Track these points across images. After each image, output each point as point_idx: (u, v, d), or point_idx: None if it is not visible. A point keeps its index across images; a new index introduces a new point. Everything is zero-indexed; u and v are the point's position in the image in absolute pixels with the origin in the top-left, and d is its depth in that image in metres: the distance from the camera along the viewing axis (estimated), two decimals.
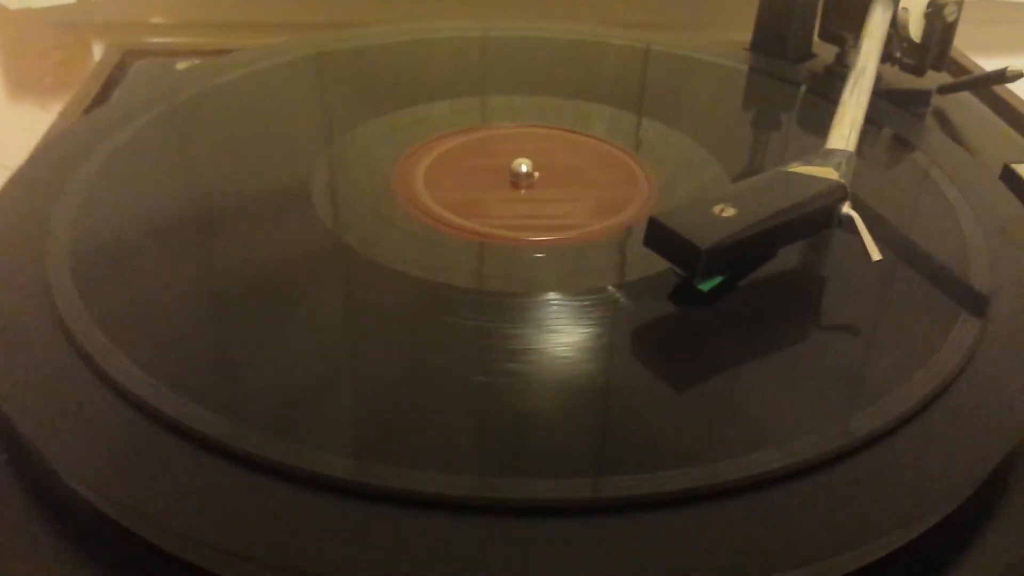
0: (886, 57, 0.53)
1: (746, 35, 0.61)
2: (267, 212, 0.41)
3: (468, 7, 0.72)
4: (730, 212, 0.35)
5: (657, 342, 0.34)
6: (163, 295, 0.35)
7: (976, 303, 0.35)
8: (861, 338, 0.34)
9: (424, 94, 0.51)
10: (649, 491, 0.27)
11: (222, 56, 0.55)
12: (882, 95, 0.51)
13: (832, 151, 0.39)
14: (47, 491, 0.29)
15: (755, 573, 0.25)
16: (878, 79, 0.46)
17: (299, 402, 0.30)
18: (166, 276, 0.36)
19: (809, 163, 0.38)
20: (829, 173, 0.37)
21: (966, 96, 0.58)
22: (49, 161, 0.43)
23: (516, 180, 0.43)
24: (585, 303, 0.35)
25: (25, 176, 0.42)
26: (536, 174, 0.43)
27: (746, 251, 0.36)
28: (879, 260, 0.35)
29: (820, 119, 0.44)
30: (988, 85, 0.56)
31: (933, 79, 0.56)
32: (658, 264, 0.36)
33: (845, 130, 0.41)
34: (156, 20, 0.72)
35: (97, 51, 0.74)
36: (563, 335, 0.34)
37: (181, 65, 0.57)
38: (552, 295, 0.36)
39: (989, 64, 0.58)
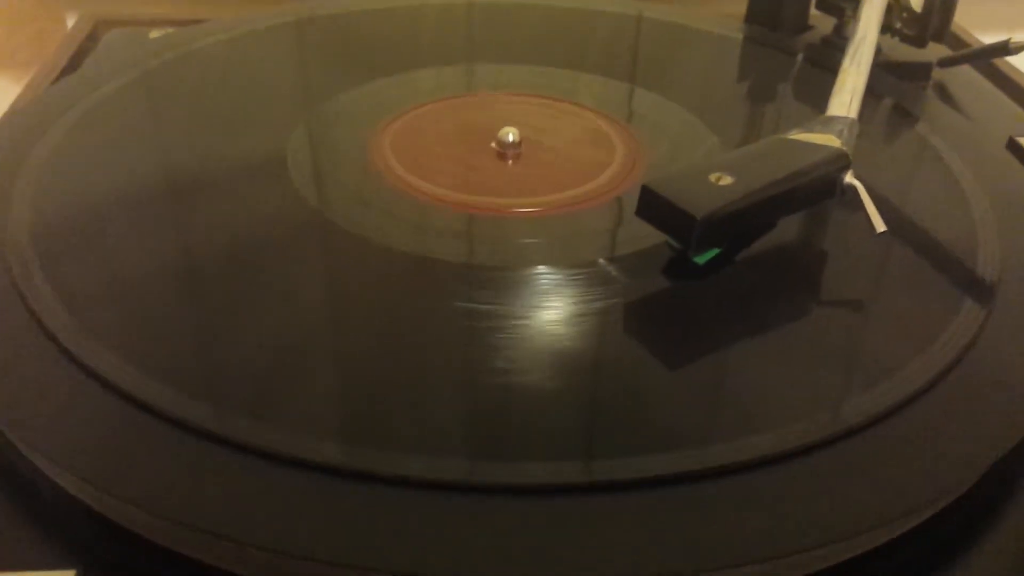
0: (885, 28, 0.51)
1: (741, 7, 0.59)
2: (242, 183, 0.39)
3: None
4: (727, 180, 0.33)
5: (650, 318, 0.33)
6: (132, 270, 0.33)
7: (984, 279, 0.34)
8: (865, 315, 0.33)
9: (408, 62, 0.50)
10: (641, 474, 0.26)
11: (198, 24, 0.53)
12: (882, 67, 0.49)
13: (833, 118, 0.38)
14: (9, 474, 0.28)
15: (749, 557, 0.24)
16: (877, 51, 0.44)
17: (277, 383, 0.29)
18: (135, 250, 0.34)
19: (810, 130, 0.36)
20: (831, 140, 0.35)
21: (967, 70, 0.56)
22: (10, 132, 0.41)
23: (503, 150, 0.41)
24: (575, 277, 0.34)
25: None
26: (523, 144, 0.42)
27: (744, 222, 0.34)
28: (883, 232, 0.33)
29: (818, 90, 0.42)
30: (990, 57, 0.55)
31: (934, 52, 0.54)
32: (651, 237, 0.35)
33: (846, 97, 0.39)
34: None
35: (71, 23, 0.72)
36: (552, 311, 0.32)
37: (155, 33, 0.55)
38: (541, 269, 0.34)
39: (990, 40, 0.56)
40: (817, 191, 0.35)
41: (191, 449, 0.26)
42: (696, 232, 0.32)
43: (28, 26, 0.77)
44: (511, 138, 0.41)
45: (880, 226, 0.33)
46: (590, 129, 0.44)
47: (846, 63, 0.41)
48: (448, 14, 0.58)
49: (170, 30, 0.55)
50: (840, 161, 0.35)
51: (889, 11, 0.50)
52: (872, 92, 0.43)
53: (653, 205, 0.33)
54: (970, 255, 0.35)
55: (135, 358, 0.29)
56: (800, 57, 0.53)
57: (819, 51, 0.53)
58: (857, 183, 0.34)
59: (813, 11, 0.57)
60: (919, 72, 0.54)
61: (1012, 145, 0.45)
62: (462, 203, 0.38)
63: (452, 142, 0.43)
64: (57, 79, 0.51)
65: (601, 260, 0.35)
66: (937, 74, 0.55)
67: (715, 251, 0.34)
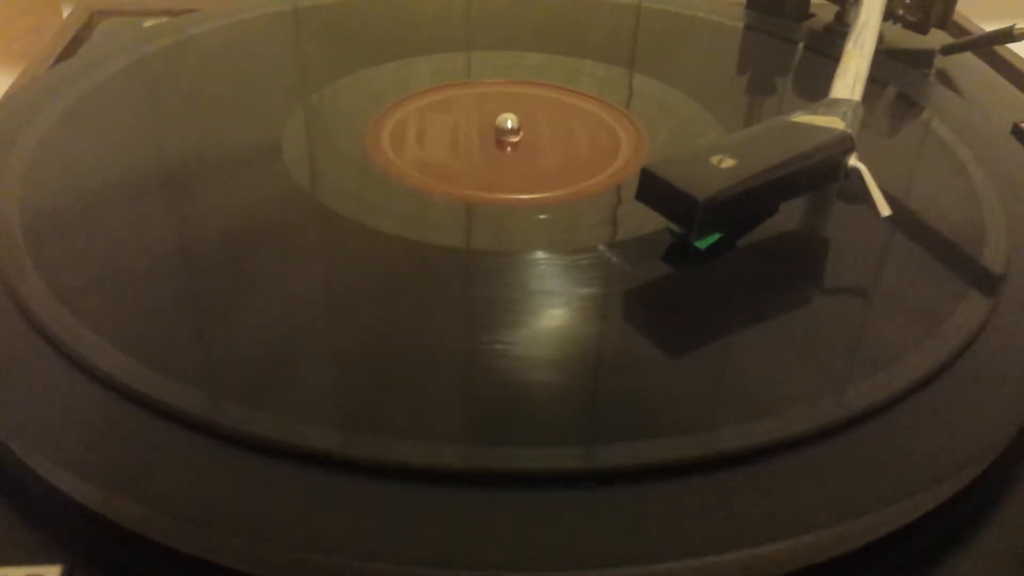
0: (888, 15, 0.51)
1: None
2: (237, 172, 0.38)
3: None
4: (729, 163, 0.33)
5: (651, 304, 0.32)
6: (124, 259, 0.32)
7: (992, 265, 0.33)
8: (869, 302, 0.32)
9: (405, 50, 0.49)
10: (643, 460, 0.25)
11: (192, 13, 0.53)
12: (885, 55, 0.48)
13: (837, 100, 0.37)
14: (2, 473, 0.27)
15: (753, 543, 0.23)
16: (880, 38, 0.44)
17: (275, 372, 0.28)
18: (127, 239, 0.33)
19: (813, 112, 0.36)
20: (835, 123, 0.35)
21: (969, 57, 0.56)
22: (2, 118, 0.40)
23: (501, 137, 0.41)
24: (575, 263, 0.33)
25: None
26: (522, 130, 0.41)
27: (746, 205, 0.33)
28: (888, 215, 0.33)
29: (821, 77, 0.42)
30: (994, 44, 0.54)
31: (936, 39, 0.54)
32: (652, 223, 0.34)
33: (850, 80, 0.38)
34: None
35: (67, 15, 0.71)
36: (552, 297, 0.32)
37: (149, 23, 0.54)
38: (540, 255, 0.33)
39: (992, 27, 0.55)
40: (821, 174, 0.34)
41: (182, 440, 0.25)
42: (698, 215, 0.31)
43: (25, 18, 0.76)
44: (509, 124, 0.41)
45: (885, 210, 0.33)
46: (590, 116, 0.44)
47: (849, 46, 0.41)
48: (446, 2, 0.57)
49: (165, 20, 0.54)
50: (844, 144, 0.34)
51: None
52: (876, 80, 0.43)
53: (653, 188, 0.33)
54: (976, 242, 0.35)
55: (127, 348, 0.28)
56: (802, 45, 0.52)
57: (821, 38, 0.53)
58: (861, 166, 0.34)
59: None
60: (922, 59, 0.53)
61: (1017, 131, 0.44)
62: (460, 190, 0.37)
63: (450, 130, 0.42)
64: (52, 67, 0.50)
65: (601, 246, 0.34)
66: (940, 61, 0.54)
67: (716, 236, 0.33)
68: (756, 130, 0.36)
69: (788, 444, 0.26)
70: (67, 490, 0.25)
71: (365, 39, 0.51)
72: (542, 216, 0.36)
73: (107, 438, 0.25)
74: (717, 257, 0.34)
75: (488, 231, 0.35)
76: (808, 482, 0.25)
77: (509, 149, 0.41)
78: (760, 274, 0.33)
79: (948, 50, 0.54)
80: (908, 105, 0.46)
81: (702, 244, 0.33)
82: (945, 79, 0.53)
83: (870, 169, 0.34)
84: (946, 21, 0.51)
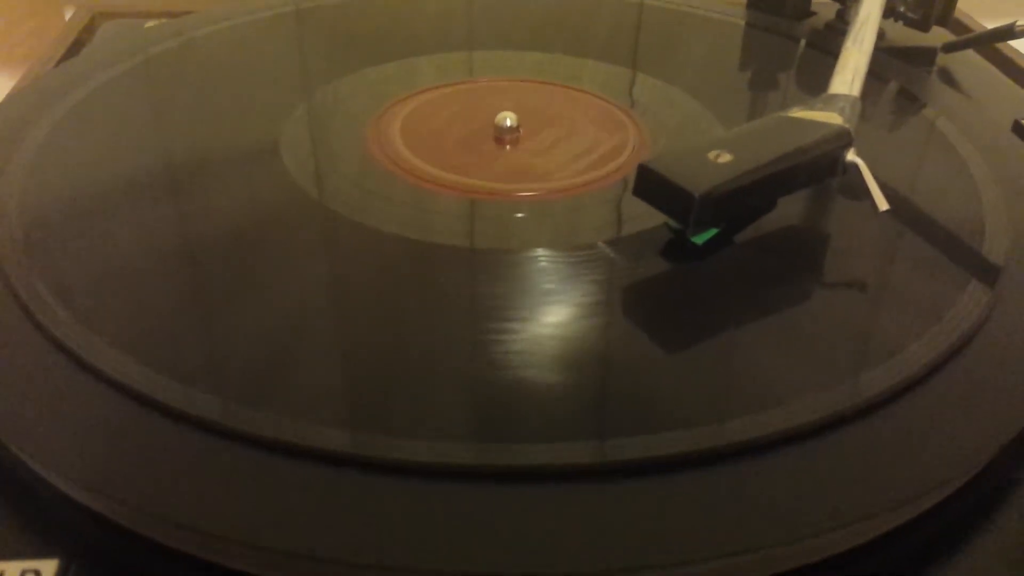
0: (889, 12, 0.51)
1: None
2: (239, 171, 0.38)
3: None
4: (726, 158, 0.33)
5: (650, 300, 0.32)
6: (126, 259, 0.32)
7: (993, 259, 0.33)
8: (869, 297, 0.32)
9: (407, 50, 0.49)
10: (647, 454, 0.25)
11: (195, 13, 0.53)
12: (886, 52, 0.48)
13: (835, 96, 0.37)
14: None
15: (750, 539, 0.23)
16: (881, 36, 0.44)
17: (278, 371, 0.28)
18: (129, 239, 0.33)
19: (811, 108, 0.36)
20: (832, 118, 0.35)
21: (970, 54, 0.56)
22: (3, 119, 0.40)
23: (500, 135, 0.41)
24: (575, 260, 0.33)
25: None
26: (522, 128, 0.41)
27: (743, 200, 0.33)
28: (886, 210, 0.33)
29: (822, 75, 0.42)
30: (996, 41, 0.54)
31: (937, 36, 0.53)
32: (651, 219, 0.34)
33: (848, 76, 0.38)
34: None
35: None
36: (552, 293, 0.32)
37: (151, 24, 0.54)
38: (540, 252, 0.33)
39: (993, 25, 0.55)
40: (819, 169, 0.34)
41: (180, 437, 0.25)
42: (695, 210, 0.31)
43: (27, 21, 0.77)
44: (509, 123, 0.41)
45: (883, 204, 0.33)
46: (591, 114, 0.44)
47: (848, 43, 0.41)
48: (448, 2, 0.57)
49: (166, 21, 0.54)
50: (842, 139, 0.34)
51: None
52: (877, 77, 0.43)
53: (650, 184, 0.33)
54: (977, 236, 0.35)
55: (126, 347, 0.28)
56: (803, 43, 0.52)
57: (822, 36, 0.53)
58: (859, 161, 0.34)
59: None
60: (923, 57, 0.53)
61: (1018, 128, 0.44)
62: (461, 188, 0.37)
63: (452, 128, 0.42)
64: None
65: (601, 242, 0.34)
66: (941, 59, 0.54)
67: (713, 231, 0.33)
68: (753, 125, 0.36)
69: (787, 439, 0.26)
70: (63, 486, 0.25)
71: (366, 39, 0.51)
72: (542, 213, 0.36)
73: (103, 435, 0.25)
74: (715, 252, 0.34)
75: (489, 229, 0.35)
76: (809, 477, 0.25)
77: (509, 147, 0.41)
78: (759, 269, 0.33)
79: (949, 47, 0.54)
80: (910, 102, 0.45)
81: (699, 240, 0.33)
82: (946, 76, 0.53)
83: (872, 165, 0.34)
84: (947, 18, 0.51)
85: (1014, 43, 0.55)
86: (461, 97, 0.45)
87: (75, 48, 0.54)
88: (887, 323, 0.31)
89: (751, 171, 0.32)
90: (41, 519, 0.26)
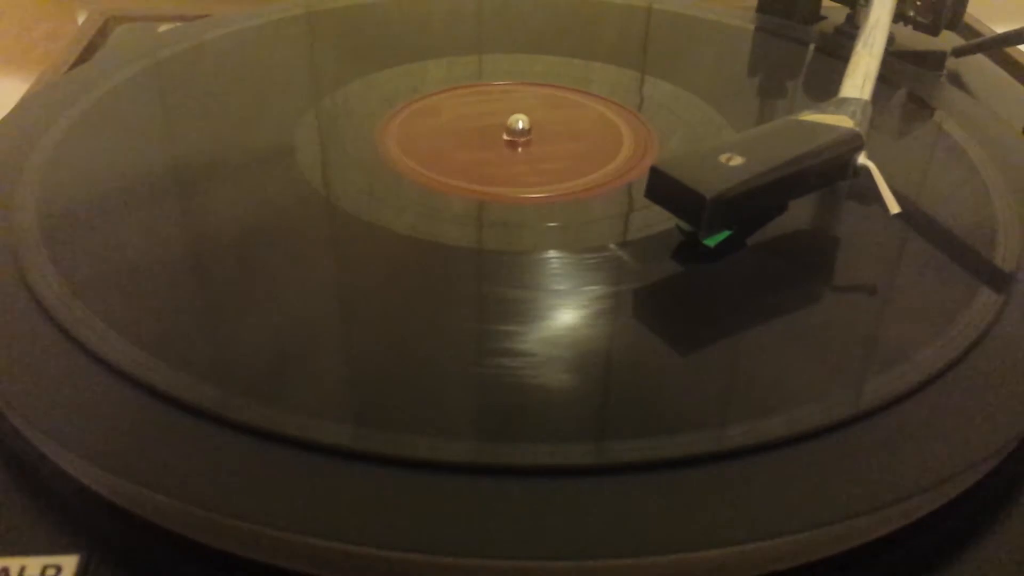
0: (899, 16, 0.51)
1: (751, 0, 0.58)
2: (251, 171, 0.39)
3: None
4: (738, 160, 0.33)
5: (661, 302, 0.32)
6: (141, 257, 0.33)
7: (1003, 263, 0.33)
8: (879, 300, 0.32)
9: (417, 53, 0.49)
10: (653, 456, 0.25)
11: (207, 18, 0.53)
12: (896, 56, 0.48)
13: (846, 99, 0.37)
14: (9, 458, 0.27)
15: (758, 539, 0.23)
16: (891, 40, 0.44)
17: (290, 367, 0.28)
18: (143, 238, 0.34)
19: (822, 111, 0.36)
20: (843, 121, 0.35)
21: (980, 59, 0.56)
22: (20, 123, 0.41)
23: (512, 137, 0.41)
24: (586, 262, 0.33)
25: None
26: (533, 131, 0.41)
27: (755, 203, 0.33)
28: (897, 213, 0.33)
29: (832, 79, 0.42)
30: (1006, 45, 0.54)
31: (947, 40, 0.54)
32: (662, 222, 0.34)
33: (859, 79, 0.38)
34: None
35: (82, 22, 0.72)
36: (563, 295, 0.32)
37: (164, 28, 0.55)
38: (551, 254, 0.34)
39: (1003, 29, 0.56)
40: (829, 172, 0.34)
41: (197, 432, 0.26)
42: (706, 212, 0.31)
43: (40, 25, 0.77)
44: (520, 125, 0.41)
45: (894, 207, 0.33)
46: (602, 118, 0.44)
47: (859, 47, 0.41)
48: (457, 6, 0.57)
49: (179, 25, 0.55)
50: (853, 142, 0.34)
51: None
52: (888, 81, 0.43)
53: (662, 186, 0.33)
54: (987, 240, 0.35)
55: (143, 342, 0.28)
56: (813, 47, 0.52)
57: (832, 40, 0.53)
58: (870, 164, 0.34)
59: (826, 1, 0.57)
60: (933, 61, 0.53)
61: None
62: (472, 190, 0.38)
63: (462, 131, 0.42)
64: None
65: (612, 245, 0.34)
66: (951, 63, 0.54)
67: (725, 233, 0.34)
68: (764, 128, 0.36)
69: (797, 440, 0.26)
70: (83, 479, 0.25)
71: (376, 43, 0.52)
72: (553, 215, 0.36)
73: (122, 429, 0.26)
74: (726, 255, 0.34)
75: (500, 230, 0.36)
76: (818, 478, 0.25)
77: (520, 149, 0.41)
78: (770, 271, 0.34)
79: (959, 51, 0.54)
80: (920, 106, 0.46)
81: (711, 242, 0.33)
82: (956, 80, 0.53)
83: (882, 169, 0.34)
84: (957, 23, 0.51)
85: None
86: (471, 100, 0.45)
87: (88, 52, 0.55)
88: (897, 327, 0.31)
89: (762, 173, 0.33)
90: (62, 515, 0.26)
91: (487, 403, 0.28)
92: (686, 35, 0.54)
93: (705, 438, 0.26)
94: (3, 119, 0.41)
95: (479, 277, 0.33)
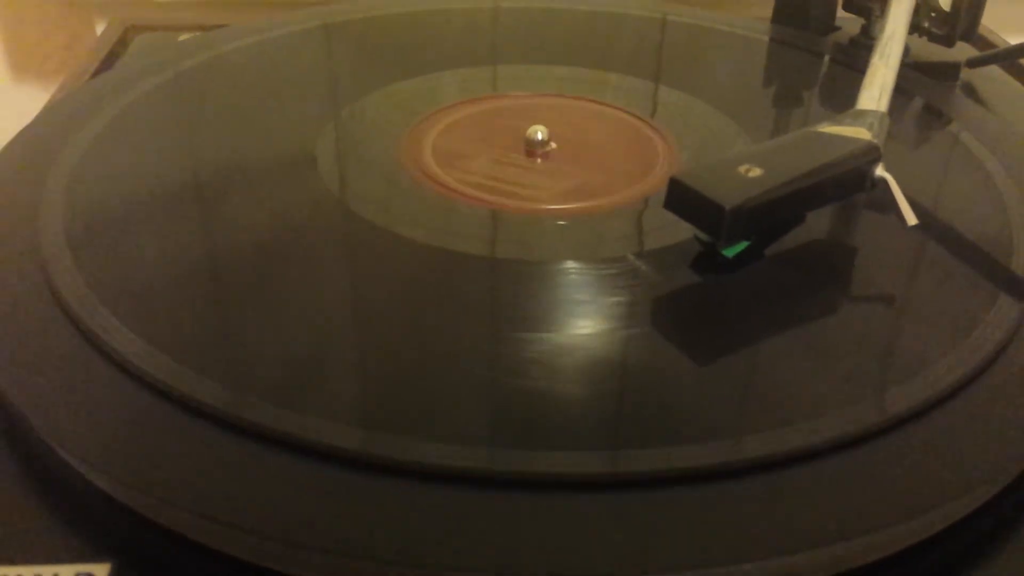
0: (914, 28, 0.51)
1: (766, 10, 0.59)
2: (273, 181, 0.39)
3: None
4: (756, 172, 0.33)
5: (680, 312, 0.33)
6: (163, 264, 0.33)
7: (1021, 273, 0.34)
8: (898, 311, 0.32)
9: (435, 64, 0.50)
10: (669, 466, 0.25)
11: (226, 27, 0.53)
12: (911, 67, 0.49)
13: (863, 111, 0.37)
14: (37, 464, 0.28)
15: (776, 551, 0.24)
16: (905, 52, 0.44)
17: (308, 373, 0.29)
18: (166, 245, 0.34)
19: (839, 123, 0.36)
20: (861, 133, 0.35)
21: (994, 69, 0.56)
22: (44, 131, 0.41)
23: (531, 148, 0.41)
24: (604, 272, 0.34)
25: (17, 145, 0.40)
26: (552, 142, 0.42)
27: (773, 214, 0.34)
28: (915, 224, 0.33)
29: (847, 89, 0.42)
30: (1020, 56, 0.54)
31: (962, 52, 0.54)
32: (680, 233, 0.35)
33: (876, 91, 0.39)
34: None
35: (101, 31, 0.72)
36: (581, 304, 0.32)
37: (184, 37, 0.55)
38: (570, 263, 0.34)
39: (1017, 40, 0.56)
40: (847, 184, 0.35)
41: (223, 442, 0.26)
42: (725, 223, 0.32)
43: (59, 33, 0.78)
44: (540, 136, 0.41)
45: (911, 219, 0.33)
46: (619, 128, 0.44)
47: (875, 59, 0.41)
48: (473, 18, 0.58)
49: (199, 34, 0.55)
50: (871, 154, 0.35)
51: (917, 11, 0.50)
52: (902, 92, 0.43)
53: (682, 197, 0.33)
54: (1004, 250, 0.35)
55: (168, 350, 0.29)
56: (828, 57, 0.52)
57: (847, 51, 0.53)
58: (888, 176, 0.34)
59: (840, 12, 0.57)
60: (948, 72, 0.53)
61: None
62: (491, 200, 0.38)
63: (481, 141, 0.43)
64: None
65: (630, 255, 0.34)
66: (965, 74, 0.54)
67: (744, 244, 0.34)
68: (783, 140, 0.36)
69: (815, 452, 0.26)
70: (110, 490, 0.26)
71: (394, 53, 0.52)
72: (572, 226, 0.37)
73: (149, 439, 0.26)
74: (745, 265, 0.34)
75: (519, 240, 0.36)
76: (836, 490, 0.25)
77: (540, 160, 0.41)
78: (788, 282, 0.34)
79: (974, 62, 0.54)
80: (935, 117, 0.46)
81: (730, 252, 0.34)
82: (971, 91, 0.53)
83: (898, 180, 0.34)
84: (972, 34, 0.51)
85: None
86: (490, 111, 0.46)
87: (108, 61, 0.55)
88: (915, 338, 0.31)
89: (781, 185, 0.33)
90: (93, 524, 0.26)
91: (504, 412, 0.28)
92: (702, 46, 0.54)
93: (721, 449, 0.26)
94: (30, 126, 0.42)
95: (497, 287, 0.33)
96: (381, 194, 0.38)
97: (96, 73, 0.53)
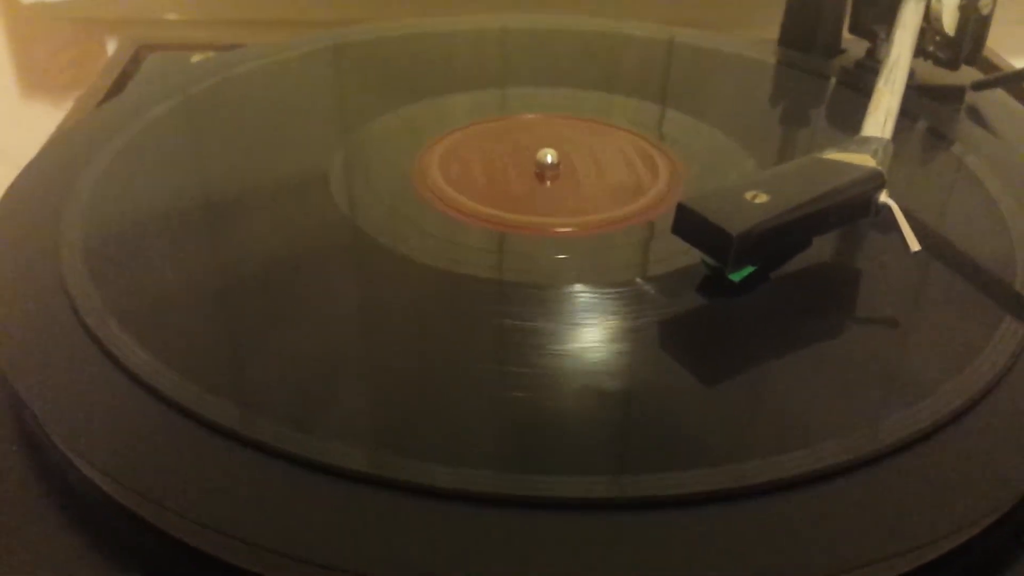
0: (919, 51, 0.52)
1: (772, 32, 0.59)
2: (285, 202, 0.40)
3: (481, 3, 0.71)
4: (763, 198, 0.33)
5: (687, 336, 0.33)
6: (180, 284, 0.34)
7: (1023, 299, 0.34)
8: (902, 335, 0.33)
9: (444, 86, 0.50)
10: (674, 491, 0.26)
11: (238, 49, 0.54)
12: (915, 90, 0.49)
13: (868, 138, 0.38)
14: (58, 481, 0.28)
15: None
16: (910, 75, 0.45)
17: (316, 392, 0.29)
18: (183, 265, 0.35)
19: (844, 150, 0.36)
20: (865, 160, 0.36)
21: (999, 93, 0.56)
22: (61, 152, 0.42)
23: (541, 171, 0.42)
24: (612, 296, 0.34)
25: (37, 167, 0.41)
26: (561, 165, 0.42)
27: (779, 239, 0.34)
28: (918, 250, 0.33)
29: (853, 113, 0.42)
30: None
31: (967, 75, 0.54)
32: (687, 257, 0.35)
33: (880, 117, 0.39)
34: (171, 16, 0.71)
35: (111, 48, 0.73)
36: (589, 328, 0.32)
37: (196, 58, 0.56)
38: (578, 287, 0.34)
39: (1021, 64, 0.56)
40: (852, 210, 0.35)
41: (241, 460, 0.26)
42: (732, 249, 0.32)
43: (69, 50, 0.78)
44: (550, 159, 0.42)
45: (914, 245, 0.34)
46: (625, 151, 0.45)
47: (880, 84, 0.42)
48: (481, 40, 0.58)
49: (211, 54, 0.56)
50: (875, 180, 0.35)
51: (922, 35, 0.50)
52: (907, 115, 0.44)
53: (689, 222, 0.34)
54: (1009, 275, 0.35)
55: (185, 370, 0.29)
56: (833, 80, 0.53)
57: (852, 74, 0.54)
58: (892, 202, 0.35)
59: (846, 34, 0.58)
60: (952, 95, 0.54)
61: None
62: (500, 222, 0.38)
63: (490, 163, 0.43)
64: (102, 101, 0.52)
65: (638, 279, 0.35)
66: (970, 97, 0.55)
67: (750, 268, 0.34)
68: (788, 167, 0.37)
69: (819, 476, 0.26)
70: (129, 505, 0.26)
71: (405, 74, 0.53)
72: (579, 249, 0.37)
73: (165, 453, 0.26)
74: (751, 290, 0.34)
75: (528, 263, 0.36)
76: (840, 515, 0.25)
77: (549, 183, 0.42)
78: (793, 306, 0.34)
79: (978, 86, 0.54)
80: (939, 140, 0.46)
81: (737, 277, 0.34)
82: (975, 114, 0.54)
83: (903, 202, 0.35)
84: (975, 59, 0.52)
85: None
86: (500, 133, 0.46)
87: (121, 80, 0.56)
88: (920, 362, 0.31)
89: (787, 211, 0.33)
90: (117, 541, 0.27)
91: (510, 433, 0.28)
92: (708, 68, 0.55)
93: (726, 473, 0.26)
94: (46, 147, 0.42)
95: (506, 309, 0.33)
96: (391, 216, 0.39)
97: (109, 92, 0.54)
